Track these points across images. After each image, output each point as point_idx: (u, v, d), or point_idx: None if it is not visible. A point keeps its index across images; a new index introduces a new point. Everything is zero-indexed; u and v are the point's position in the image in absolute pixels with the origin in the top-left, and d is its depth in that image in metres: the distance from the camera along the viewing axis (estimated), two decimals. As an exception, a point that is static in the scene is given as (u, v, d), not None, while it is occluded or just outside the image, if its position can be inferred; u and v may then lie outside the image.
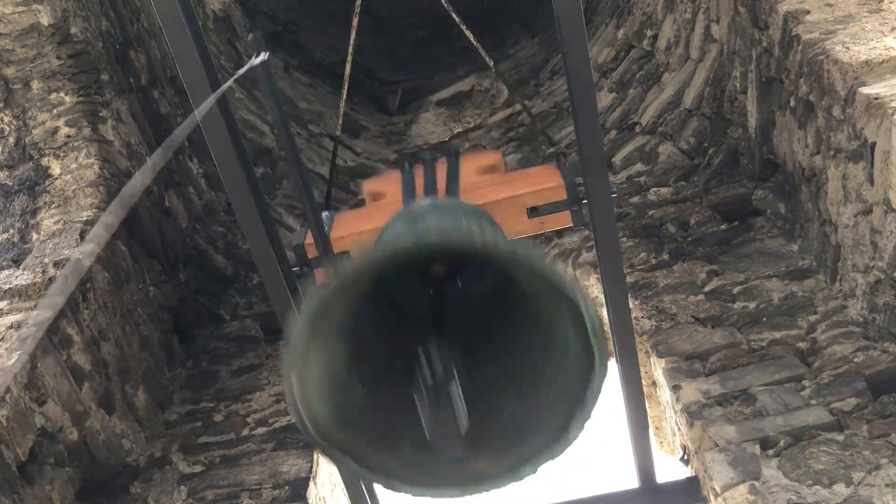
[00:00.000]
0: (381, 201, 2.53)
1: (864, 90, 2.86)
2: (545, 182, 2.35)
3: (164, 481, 3.45)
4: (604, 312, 2.75)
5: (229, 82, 1.84)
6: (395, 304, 1.71)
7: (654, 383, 3.64)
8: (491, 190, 2.35)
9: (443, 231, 1.44)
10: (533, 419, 1.49)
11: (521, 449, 1.46)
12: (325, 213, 2.47)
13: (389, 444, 1.50)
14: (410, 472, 1.46)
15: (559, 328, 1.43)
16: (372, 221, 2.37)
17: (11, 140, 4.10)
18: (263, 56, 1.97)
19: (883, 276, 2.93)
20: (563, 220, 2.36)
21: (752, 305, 3.48)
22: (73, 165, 4.05)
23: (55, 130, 4.08)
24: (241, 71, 1.84)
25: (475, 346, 1.65)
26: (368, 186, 2.69)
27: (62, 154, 4.07)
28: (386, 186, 2.57)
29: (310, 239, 2.35)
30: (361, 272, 1.35)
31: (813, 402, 2.89)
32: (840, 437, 2.71)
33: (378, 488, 3.21)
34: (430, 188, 2.36)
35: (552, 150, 2.47)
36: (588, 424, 1.41)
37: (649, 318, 3.59)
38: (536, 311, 1.51)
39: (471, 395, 1.45)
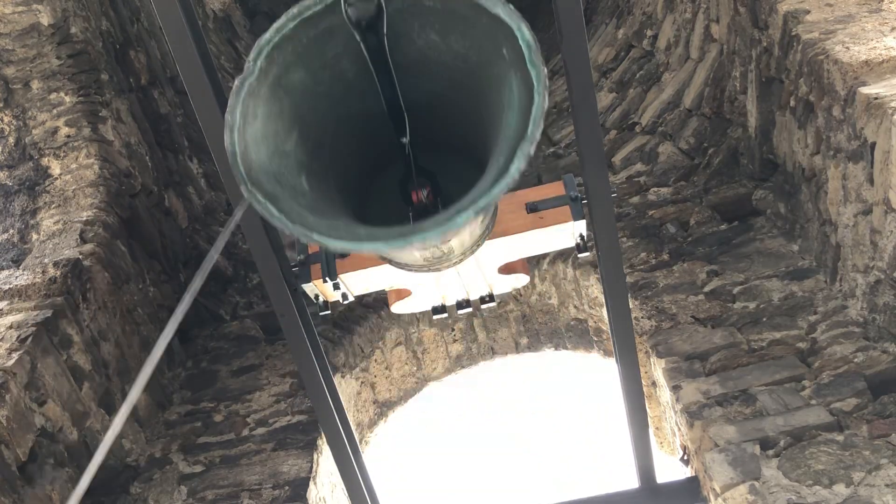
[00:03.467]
0: None
1: (864, 90, 2.86)
2: (544, 184, 2.35)
3: (164, 481, 3.46)
4: (604, 312, 2.75)
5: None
6: (348, 82, 1.53)
7: (654, 383, 3.64)
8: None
9: None
10: (481, 171, 1.37)
11: (460, 201, 1.32)
12: None
13: (322, 213, 1.37)
14: (334, 230, 1.31)
15: (498, 61, 1.31)
16: None
17: (11, 140, 4.10)
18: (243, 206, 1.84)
19: (883, 276, 2.93)
20: (563, 214, 2.36)
21: (752, 305, 3.48)
22: (73, 165, 4.05)
23: (55, 130, 4.08)
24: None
25: (417, 98, 1.53)
26: None
27: (62, 154, 4.08)
28: None
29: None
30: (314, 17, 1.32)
31: (813, 402, 2.89)
32: (840, 438, 2.71)
33: (379, 490, 3.21)
34: None
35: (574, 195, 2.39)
36: (528, 155, 1.22)
37: (649, 318, 3.59)
38: (472, 45, 1.38)
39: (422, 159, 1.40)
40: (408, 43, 1.42)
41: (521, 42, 1.22)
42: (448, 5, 1.34)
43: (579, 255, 2.37)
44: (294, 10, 1.34)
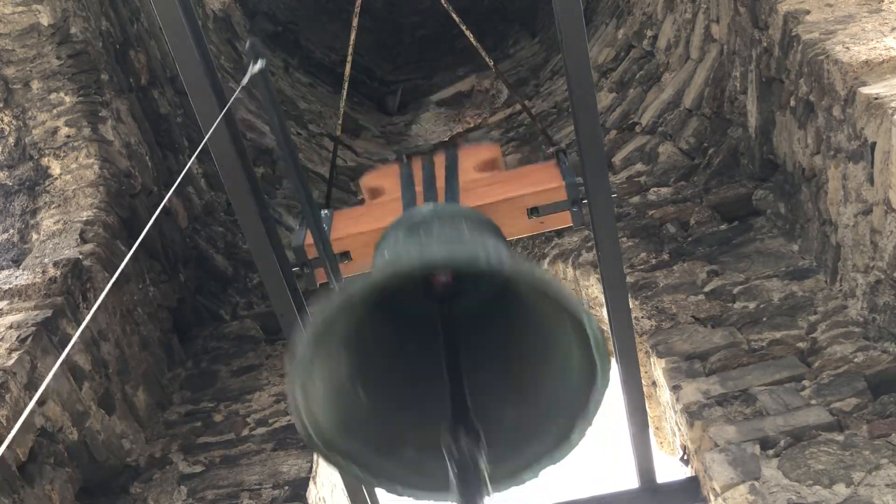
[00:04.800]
0: (380, 199, 2.52)
1: (864, 90, 2.86)
2: (545, 182, 2.34)
3: (164, 481, 3.45)
4: (604, 312, 2.75)
5: (234, 96, 1.84)
6: (398, 312, 1.72)
7: (654, 383, 3.64)
8: (491, 189, 2.35)
9: (448, 251, 1.46)
10: (535, 425, 1.52)
11: (523, 454, 1.48)
12: (324, 212, 2.46)
13: (392, 449, 1.53)
14: (413, 476, 1.49)
15: (561, 339, 1.45)
16: (371, 221, 2.37)
17: (11, 140, 4.10)
18: (261, 64, 1.99)
19: (883, 276, 2.93)
20: (563, 219, 2.36)
21: (752, 305, 3.48)
22: (73, 165, 4.05)
23: (55, 130, 4.08)
24: (243, 82, 1.86)
25: (478, 353, 1.67)
26: (366, 182, 2.67)
27: (62, 154, 4.08)
28: (384, 181, 2.56)
29: (309, 239, 2.35)
30: (365, 291, 1.39)
31: (813, 402, 2.89)
32: (840, 438, 2.71)
33: (379, 490, 3.21)
34: (430, 184, 2.34)
35: (553, 149, 2.45)
36: (589, 431, 1.44)
37: (649, 318, 3.59)
38: (538, 321, 1.54)
39: (474, 400, 1.47)
40: (474, 300, 1.65)
41: (588, 333, 1.34)
42: (524, 296, 1.49)
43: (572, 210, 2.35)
44: (358, 285, 1.41)
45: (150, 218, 4.23)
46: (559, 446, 1.45)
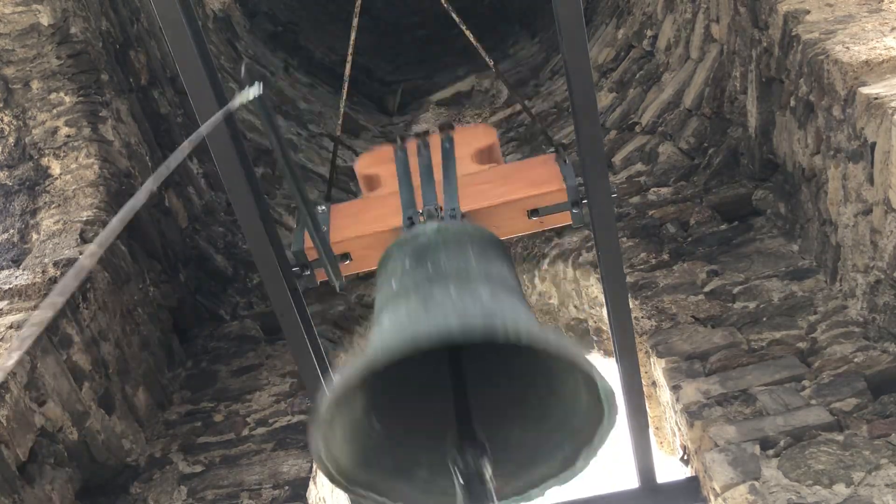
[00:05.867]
0: (378, 192, 2.49)
1: (864, 90, 2.86)
2: (545, 183, 2.34)
3: (164, 481, 3.45)
4: (603, 312, 2.76)
5: (220, 114, 1.79)
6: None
7: (654, 383, 3.64)
8: (490, 189, 2.35)
9: (464, 324, 1.45)
10: (541, 448, 1.61)
11: (530, 473, 1.58)
12: (321, 208, 2.45)
13: (406, 471, 1.63)
14: (426, 494, 1.59)
15: (570, 383, 1.54)
16: (370, 220, 2.36)
17: (11, 140, 4.10)
18: (257, 89, 1.97)
19: (883, 276, 2.93)
20: (563, 218, 2.36)
21: (752, 305, 3.48)
22: (73, 165, 4.05)
23: (55, 130, 4.08)
24: (233, 105, 1.84)
25: (486, 377, 1.72)
26: (360, 167, 2.63)
27: (62, 154, 4.07)
28: (379, 168, 2.54)
29: (309, 242, 2.34)
30: (382, 361, 1.43)
31: (813, 402, 2.89)
32: (840, 437, 2.71)
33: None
34: (427, 177, 2.33)
35: (552, 149, 2.45)
36: (594, 461, 1.53)
37: (649, 318, 3.59)
38: (548, 365, 1.61)
39: (481, 419, 1.54)
40: (488, 355, 1.68)
41: (599, 388, 1.41)
42: (537, 356, 1.54)
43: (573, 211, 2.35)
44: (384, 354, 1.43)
45: (150, 218, 4.24)
46: (564, 470, 1.54)
